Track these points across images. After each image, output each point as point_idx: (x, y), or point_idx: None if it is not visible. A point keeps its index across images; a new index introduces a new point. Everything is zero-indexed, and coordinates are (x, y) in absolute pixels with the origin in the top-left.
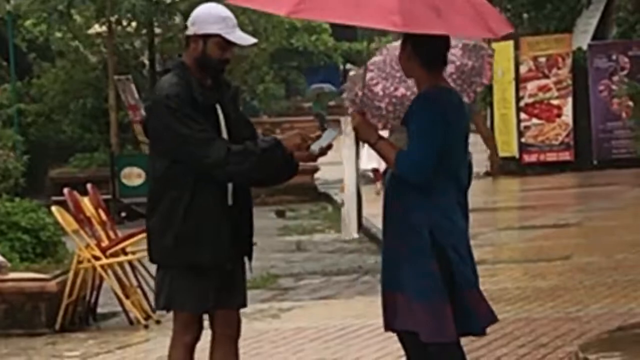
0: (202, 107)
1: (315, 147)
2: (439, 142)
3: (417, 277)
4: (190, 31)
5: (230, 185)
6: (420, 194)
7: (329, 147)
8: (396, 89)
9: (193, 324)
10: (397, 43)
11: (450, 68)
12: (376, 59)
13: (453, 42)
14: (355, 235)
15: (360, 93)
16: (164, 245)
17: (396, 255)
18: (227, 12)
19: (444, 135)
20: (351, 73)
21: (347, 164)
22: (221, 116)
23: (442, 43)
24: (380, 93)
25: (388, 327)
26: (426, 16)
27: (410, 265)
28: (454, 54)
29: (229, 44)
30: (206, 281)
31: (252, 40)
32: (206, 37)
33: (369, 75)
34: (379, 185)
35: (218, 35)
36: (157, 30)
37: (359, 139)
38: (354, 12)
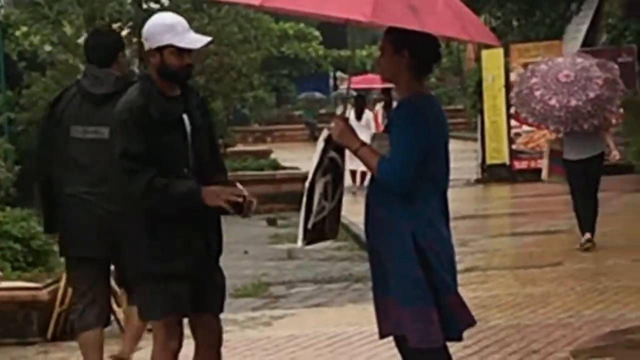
0: (160, 122)
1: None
2: (421, 149)
3: (402, 282)
4: (146, 47)
5: None
6: (403, 200)
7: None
8: (569, 101)
9: (174, 330)
10: (560, 59)
11: (591, 94)
12: (536, 80)
13: (597, 72)
14: (299, 245)
15: (537, 107)
16: (141, 258)
17: (381, 261)
18: (174, 19)
19: (425, 143)
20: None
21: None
22: (188, 128)
23: (435, 53)
24: (557, 105)
25: (382, 333)
26: (399, 11)
27: (395, 271)
28: (597, 82)
29: (183, 50)
30: (176, 286)
31: (205, 40)
32: (160, 49)
33: (539, 92)
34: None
35: (170, 45)
36: None
37: (341, 146)
38: (325, 2)
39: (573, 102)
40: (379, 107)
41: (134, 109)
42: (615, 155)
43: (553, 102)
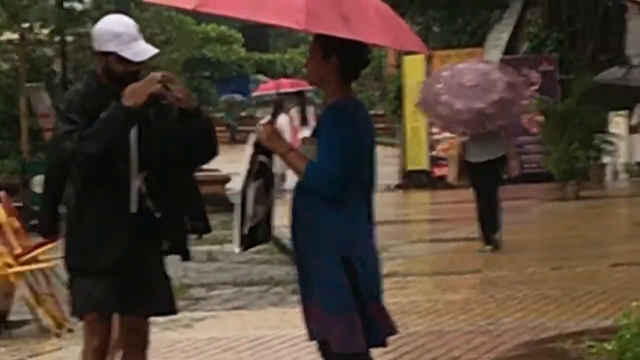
0: (94, 116)
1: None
2: (348, 153)
3: (326, 288)
4: (94, 46)
5: (134, 192)
6: (329, 204)
7: None
8: (474, 104)
9: (98, 328)
10: (461, 65)
11: (495, 96)
12: (441, 86)
13: (497, 75)
14: (237, 251)
15: (444, 112)
16: (65, 252)
17: (307, 266)
18: (122, 27)
19: (353, 146)
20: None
21: (240, 175)
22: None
23: (363, 58)
24: (463, 109)
25: (310, 336)
26: (332, 20)
27: (320, 276)
28: (499, 85)
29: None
30: (93, 283)
31: (149, 54)
32: (106, 53)
33: (444, 97)
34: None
35: (113, 53)
36: (69, 39)
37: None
38: (259, 9)
39: (478, 105)
40: (293, 111)
41: (70, 100)
42: (513, 166)
43: (459, 106)
